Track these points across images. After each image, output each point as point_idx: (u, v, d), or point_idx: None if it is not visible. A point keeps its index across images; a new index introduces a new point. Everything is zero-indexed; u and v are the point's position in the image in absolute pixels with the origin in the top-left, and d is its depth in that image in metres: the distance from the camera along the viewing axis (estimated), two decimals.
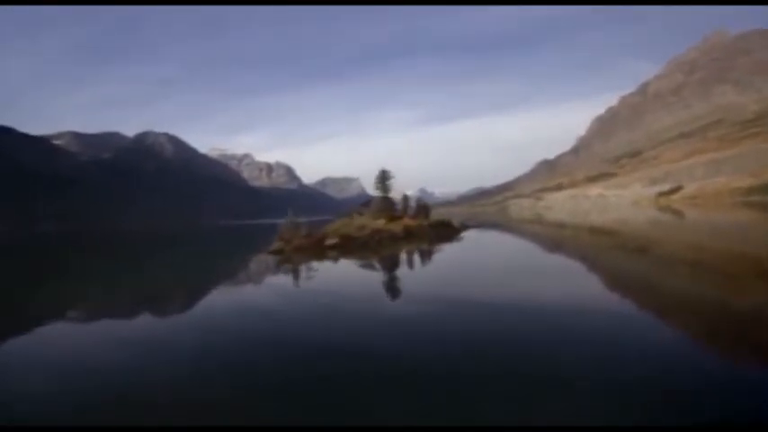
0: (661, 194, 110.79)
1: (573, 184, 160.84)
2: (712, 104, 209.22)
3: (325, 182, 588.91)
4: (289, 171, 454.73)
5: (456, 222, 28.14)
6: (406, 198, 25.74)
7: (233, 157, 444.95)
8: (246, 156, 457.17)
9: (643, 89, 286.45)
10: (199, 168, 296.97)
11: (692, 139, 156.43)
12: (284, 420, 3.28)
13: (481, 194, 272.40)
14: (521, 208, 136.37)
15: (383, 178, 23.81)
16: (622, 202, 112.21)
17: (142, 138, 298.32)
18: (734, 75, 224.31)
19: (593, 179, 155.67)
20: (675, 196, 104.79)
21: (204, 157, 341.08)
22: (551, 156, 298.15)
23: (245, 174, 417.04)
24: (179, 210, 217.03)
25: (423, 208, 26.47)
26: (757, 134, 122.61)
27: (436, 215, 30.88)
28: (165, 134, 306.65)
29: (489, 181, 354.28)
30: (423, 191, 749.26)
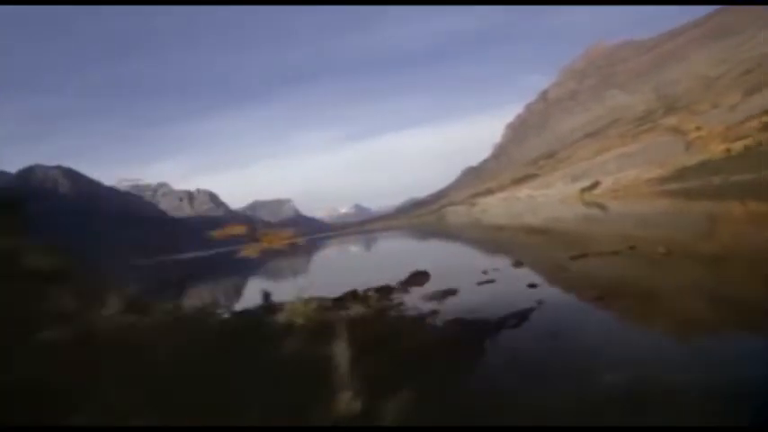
0: (583, 190, 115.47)
1: (502, 188, 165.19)
2: (606, 106, 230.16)
3: (254, 206, 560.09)
4: (213, 198, 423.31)
5: None
6: None
7: (147, 187, 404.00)
8: (163, 185, 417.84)
9: (544, 97, 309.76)
10: (106, 203, 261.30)
11: (597, 137, 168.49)
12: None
13: (417, 205, 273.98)
14: (458, 214, 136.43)
15: None
16: (550, 200, 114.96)
17: (27, 174, 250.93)
18: (618, 79, 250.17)
19: (518, 181, 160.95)
20: (597, 191, 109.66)
21: (111, 189, 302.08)
22: (475, 163, 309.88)
23: (163, 205, 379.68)
24: (80, 252, 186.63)
25: None
26: (652, 129, 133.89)
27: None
28: (58, 167, 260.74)
29: (422, 191, 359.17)
30: (358, 206, 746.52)
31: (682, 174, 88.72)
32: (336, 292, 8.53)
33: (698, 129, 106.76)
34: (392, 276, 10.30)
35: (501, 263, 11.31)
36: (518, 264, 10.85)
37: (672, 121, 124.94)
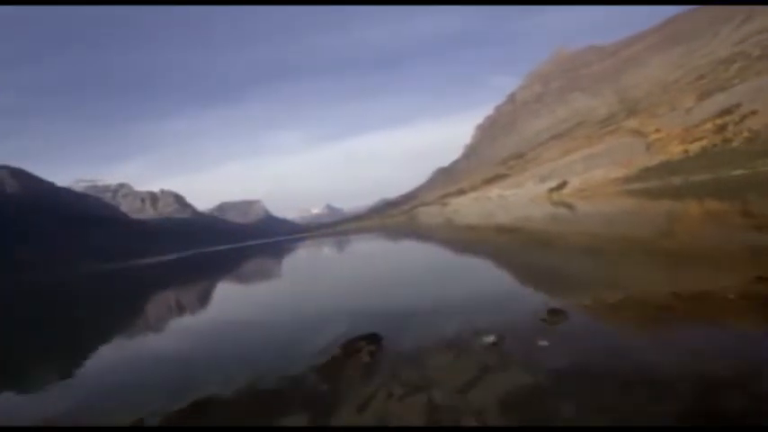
0: (552, 190, 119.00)
1: (473, 188, 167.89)
2: (571, 109, 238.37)
3: (223, 207, 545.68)
4: (178, 199, 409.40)
5: None
6: None
7: (106, 188, 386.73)
8: (123, 186, 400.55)
9: (512, 99, 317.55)
10: (62, 206, 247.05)
11: (564, 138, 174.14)
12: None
13: (389, 206, 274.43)
14: (430, 215, 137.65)
15: None
16: (521, 200, 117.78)
17: None
18: (581, 83, 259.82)
19: (489, 181, 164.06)
20: (565, 190, 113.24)
21: (67, 191, 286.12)
22: (446, 163, 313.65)
23: (124, 206, 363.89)
24: (32, 257, 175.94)
25: None
26: (615, 131, 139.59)
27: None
28: (5, 167, 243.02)
29: (394, 192, 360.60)
30: (330, 207, 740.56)
31: (644, 174, 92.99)
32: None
33: (657, 131, 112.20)
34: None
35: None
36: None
37: (633, 123, 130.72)
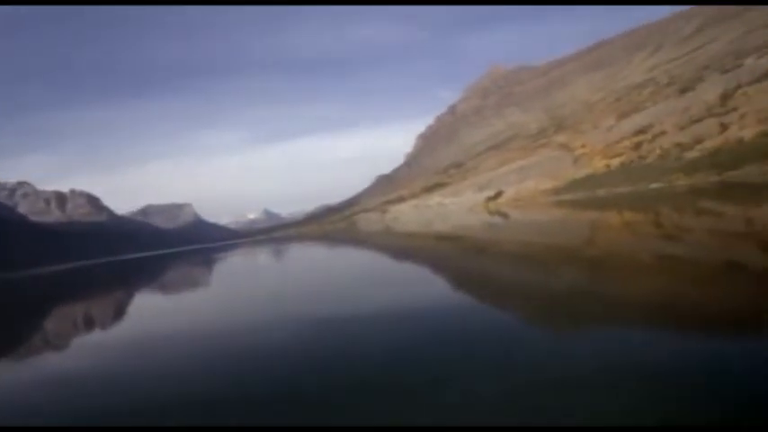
0: (489, 199, 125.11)
1: (413, 195, 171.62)
2: (506, 123, 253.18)
3: (147, 210, 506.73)
4: (92, 201, 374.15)
5: None
6: None
7: (1, 186, 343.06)
8: (23, 184, 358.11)
9: (453, 110, 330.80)
10: None
11: (500, 150, 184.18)
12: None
13: (328, 212, 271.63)
14: (369, 221, 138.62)
15: None
16: (459, 208, 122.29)
17: None
18: (515, 99, 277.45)
19: (429, 189, 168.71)
20: (501, 200, 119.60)
21: None
22: (387, 170, 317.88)
23: (24, 207, 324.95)
24: None
25: None
26: (545, 145, 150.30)
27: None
28: None
29: (334, 198, 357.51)
30: (268, 212, 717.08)
31: (572, 185, 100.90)
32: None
33: (583, 146, 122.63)
34: None
35: None
36: None
37: (562, 138, 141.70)
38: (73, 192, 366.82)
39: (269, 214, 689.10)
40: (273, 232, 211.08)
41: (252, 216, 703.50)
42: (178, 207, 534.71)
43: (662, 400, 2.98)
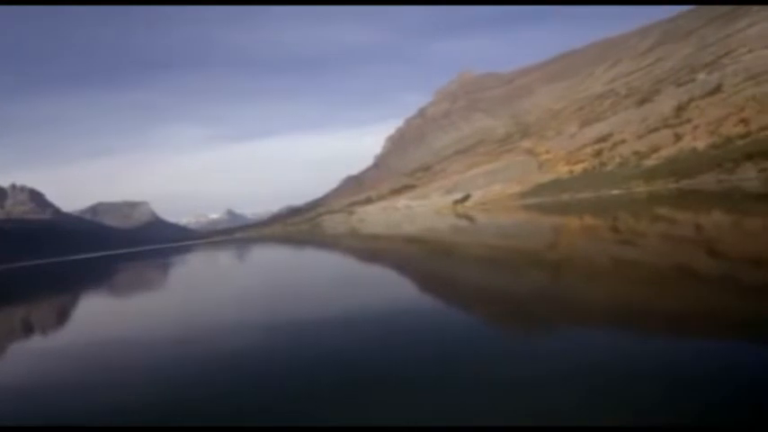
0: (456, 202, 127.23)
1: (381, 197, 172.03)
2: (474, 127, 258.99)
3: (97, 208, 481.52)
4: (35, 197, 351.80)
5: None
6: None
7: None
8: None
9: (422, 113, 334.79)
10: None
11: (467, 154, 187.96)
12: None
13: (294, 212, 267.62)
14: (335, 223, 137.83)
15: None
16: (427, 211, 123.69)
17: None
18: (483, 105, 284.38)
19: (397, 191, 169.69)
20: (468, 203, 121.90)
21: None
22: (356, 171, 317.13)
23: None
24: None
25: None
26: (511, 150, 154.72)
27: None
28: None
29: (300, 199, 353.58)
30: (231, 212, 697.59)
31: (537, 190, 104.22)
32: None
33: (547, 152, 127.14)
34: None
35: None
36: None
37: (527, 144, 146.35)
38: (14, 187, 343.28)
39: (232, 214, 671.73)
40: (234, 233, 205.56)
41: (214, 216, 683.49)
42: (132, 205, 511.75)
43: (603, 395, 3.03)
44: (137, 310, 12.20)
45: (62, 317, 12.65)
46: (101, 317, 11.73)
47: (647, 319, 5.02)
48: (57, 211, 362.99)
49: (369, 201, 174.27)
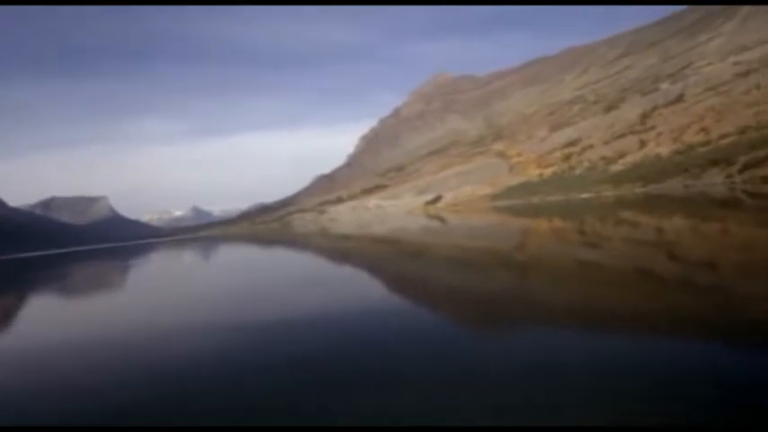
0: (428, 203, 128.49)
1: (352, 197, 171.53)
2: (447, 128, 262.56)
3: (50, 204, 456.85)
4: None
5: None
6: None
7: None
8: None
9: (397, 113, 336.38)
10: None
11: (440, 155, 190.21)
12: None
13: (263, 210, 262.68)
14: (305, 222, 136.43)
15: None
16: (398, 211, 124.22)
17: None
18: (457, 107, 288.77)
19: (368, 191, 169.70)
20: (440, 204, 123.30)
21: None
22: (328, 170, 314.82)
23: None
24: None
25: None
26: (483, 152, 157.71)
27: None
28: None
29: (272, 196, 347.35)
30: (197, 209, 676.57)
31: (508, 192, 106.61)
32: None
33: (518, 155, 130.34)
34: None
35: None
36: None
37: (499, 146, 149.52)
38: None
39: (198, 212, 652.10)
40: (198, 231, 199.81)
41: (178, 213, 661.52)
42: (89, 200, 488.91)
43: (562, 395, 3.11)
44: (80, 314, 11.64)
45: None
46: (38, 323, 11.12)
47: (608, 317, 5.23)
48: (4, 205, 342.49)
49: (340, 200, 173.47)
